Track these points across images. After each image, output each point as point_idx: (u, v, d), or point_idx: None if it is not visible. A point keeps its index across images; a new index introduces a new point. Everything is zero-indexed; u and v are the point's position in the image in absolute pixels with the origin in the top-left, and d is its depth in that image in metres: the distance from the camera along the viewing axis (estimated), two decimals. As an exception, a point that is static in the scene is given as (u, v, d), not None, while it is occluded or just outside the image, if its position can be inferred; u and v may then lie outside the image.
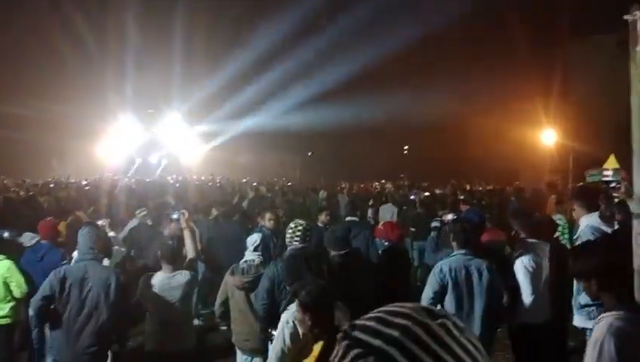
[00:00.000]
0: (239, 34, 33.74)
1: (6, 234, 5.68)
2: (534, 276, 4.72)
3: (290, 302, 4.28)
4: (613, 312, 2.49)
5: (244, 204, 12.17)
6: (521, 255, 4.81)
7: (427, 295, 4.53)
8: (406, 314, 0.79)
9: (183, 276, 4.64)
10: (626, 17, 2.75)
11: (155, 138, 37.76)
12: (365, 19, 31.03)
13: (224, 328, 6.23)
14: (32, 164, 30.47)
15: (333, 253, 4.97)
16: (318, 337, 2.98)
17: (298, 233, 4.62)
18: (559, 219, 7.53)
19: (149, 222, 7.89)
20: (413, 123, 32.20)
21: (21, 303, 5.29)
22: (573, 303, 4.69)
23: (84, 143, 34.51)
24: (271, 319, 4.41)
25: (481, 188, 16.52)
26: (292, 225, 4.72)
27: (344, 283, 4.56)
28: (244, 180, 23.83)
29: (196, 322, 6.89)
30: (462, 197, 11.18)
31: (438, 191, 15.01)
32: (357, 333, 0.79)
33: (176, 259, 4.77)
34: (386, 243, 6.01)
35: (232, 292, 4.74)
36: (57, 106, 29.39)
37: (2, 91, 28.74)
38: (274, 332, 4.47)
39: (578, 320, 4.72)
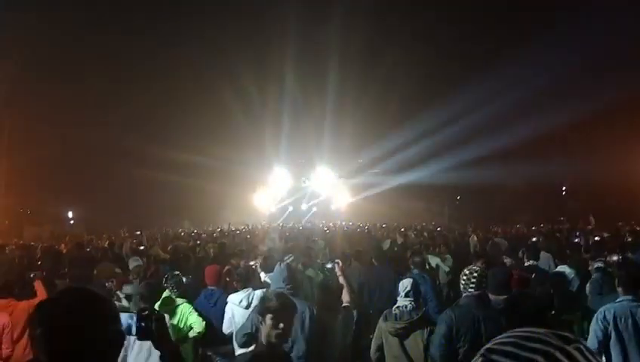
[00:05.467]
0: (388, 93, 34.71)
1: (184, 279, 6.26)
2: None
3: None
4: None
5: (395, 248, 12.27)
6: None
7: (591, 343, 4.12)
8: (541, 339, 0.80)
9: (341, 317, 4.76)
10: None
11: (305, 187, 39.79)
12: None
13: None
14: (199, 209, 34.83)
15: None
16: None
17: (473, 279, 4.45)
18: None
19: (300, 267, 8.14)
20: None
21: (194, 343, 5.74)
22: None
23: (244, 191, 37.82)
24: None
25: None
26: (466, 271, 4.52)
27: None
28: (383, 225, 23.91)
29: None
30: (629, 239, 10.09)
31: (605, 235, 13.70)
32: (496, 357, 0.80)
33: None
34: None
35: (386, 337, 4.72)
36: (223, 155, 32.77)
37: (178, 139, 33.26)
38: None
39: None
